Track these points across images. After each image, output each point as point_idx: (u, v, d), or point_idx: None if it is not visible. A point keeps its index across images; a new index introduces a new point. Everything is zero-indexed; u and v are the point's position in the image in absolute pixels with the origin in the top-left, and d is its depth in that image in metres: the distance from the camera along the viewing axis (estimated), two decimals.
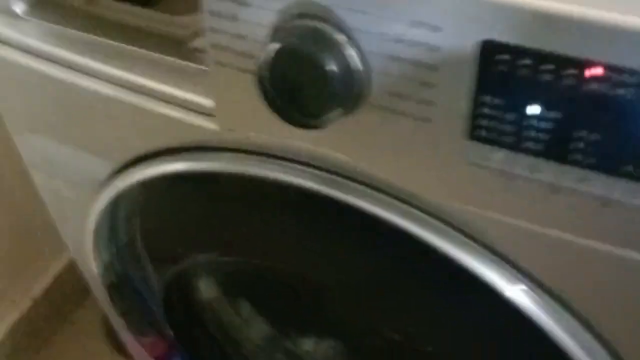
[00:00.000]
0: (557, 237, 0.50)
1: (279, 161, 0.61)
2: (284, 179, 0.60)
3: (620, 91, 0.42)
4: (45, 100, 0.73)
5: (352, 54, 0.49)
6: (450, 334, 0.65)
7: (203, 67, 0.60)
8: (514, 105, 0.45)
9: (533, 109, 0.45)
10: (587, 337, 0.56)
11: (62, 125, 0.75)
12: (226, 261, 0.83)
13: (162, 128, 0.65)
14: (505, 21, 0.43)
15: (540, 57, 0.43)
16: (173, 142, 0.66)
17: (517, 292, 0.55)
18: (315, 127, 0.51)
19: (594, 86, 0.42)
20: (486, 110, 0.46)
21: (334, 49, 0.48)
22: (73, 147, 0.76)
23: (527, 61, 0.44)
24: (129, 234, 0.85)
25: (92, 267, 0.89)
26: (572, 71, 0.43)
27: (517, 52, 0.44)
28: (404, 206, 0.57)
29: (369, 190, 0.58)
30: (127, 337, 1.04)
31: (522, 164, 0.47)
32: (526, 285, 0.56)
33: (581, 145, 0.44)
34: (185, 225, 0.75)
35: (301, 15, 0.49)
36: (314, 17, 0.49)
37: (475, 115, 0.47)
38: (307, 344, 0.95)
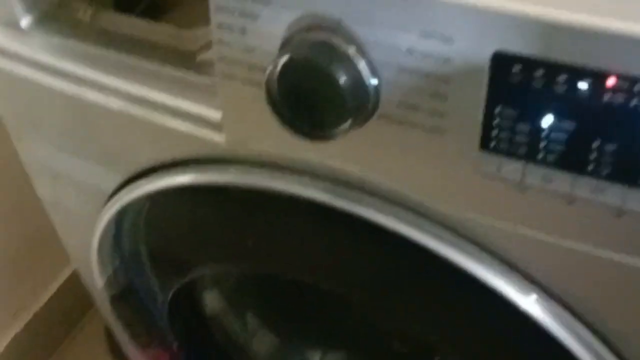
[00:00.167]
0: (571, 247, 0.50)
1: (287, 173, 0.61)
2: (293, 192, 0.60)
3: (636, 101, 0.41)
4: (51, 113, 0.72)
5: (362, 65, 0.48)
6: (461, 344, 0.65)
7: (211, 80, 0.59)
8: (527, 116, 0.45)
9: (547, 120, 0.45)
10: (599, 346, 0.55)
11: (68, 138, 0.74)
12: (232, 272, 0.83)
13: (169, 141, 0.65)
14: (517, 32, 0.43)
15: (554, 68, 0.43)
16: (181, 155, 0.66)
17: (531, 303, 0.55)
18: (325, 139, 0.51)
19: (608, 97, 0.42)
20: (499, 121, 0.46)
21: (344, 60, 0.48)
22: (79, 159, 0.76)
23: (540, 72, 0.44)
24: (133, 245, 0.85)
25: (95, 278, 0.88)
26: (586, 82, 0.42)
27: (530, 63, 0.44)
28: (415, 217, 0.57)
29: (379, 202, 0.57)
30: (130, 349, 1.03)
31: (535, 175, 0.47)
32: (537, 294, 0.56)
33: (596, 155, 0.44)
34: (191, 237, 0.75)
35: (310, 28, 0.49)
36: (323, 29, 0.49)
37: (487, 126, 0.47)
38: (315, 356, 0.95)
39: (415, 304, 0.64)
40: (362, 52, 0.48)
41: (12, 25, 0.69)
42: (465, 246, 0.56)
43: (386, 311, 0.67)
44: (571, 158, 0.46)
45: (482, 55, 0.45)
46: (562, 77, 0.43)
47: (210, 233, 0.72)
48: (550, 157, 0.46)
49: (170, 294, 0.82)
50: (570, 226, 0.49)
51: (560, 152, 0.46)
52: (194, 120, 0.62)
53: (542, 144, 0.46)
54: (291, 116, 0.51)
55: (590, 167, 0.45)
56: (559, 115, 0.44)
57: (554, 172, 0.47)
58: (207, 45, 0.61)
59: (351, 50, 0.48)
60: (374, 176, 0.55)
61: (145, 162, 0.69)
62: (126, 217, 0.79)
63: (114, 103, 0.66)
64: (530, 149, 0.46)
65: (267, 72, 0.50)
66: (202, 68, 0.62)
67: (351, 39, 0.48)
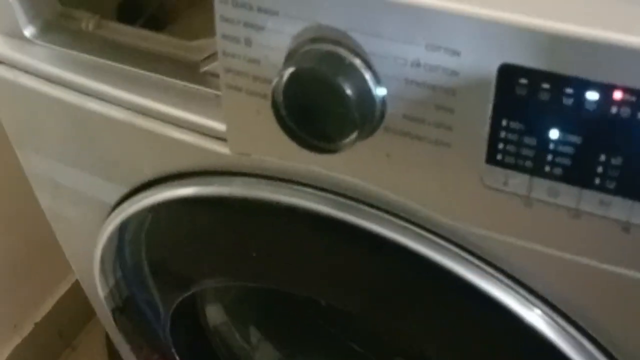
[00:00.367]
0: (577, 262, 0.49)
1: (291, 185, 0.60)
2: (298, 204, 0.60)
3: None
4: (54, 123, 0.72)
5: (368, 77, 0.48)
6: (465, 356, 0.64)
7: (215, 92, 0.59)
8: (533, 129, 0.45)
9: (553, 133, 0.44)
10: None
11: (70, 149, 0.74)
12: (235, 286, 0.83)
13: (173, 152, 0.65)
14: (524, 45, 0.43)
15: (561, 80, 0.43)
16: (185, 166, 0.66)
17: (535, 317, 0.55)
18: (330, 151, 0.51)
19: (615, 110, 0.42)
20: (505, 135, 0.46)
21: (350, 72, 0.48)
22: (81, 170, 0.75)
23: (547, 85, 0.43)
24: (135, 258, 0.84)
25: (97, 289, 0.88)
26: (593, 95, 0.42)
27: (537, 75, 0.43)
28: (420, 230, 0.57)
29: (384, 215, 0.57)
30: None
31: (541, 189, 0.47)
32: (542, 309, 0.55)
33: (602, 169, 0.44)
34: (194, 250, 0.75)
35: (316, 40, 0.49)
36: (329, 41, 0.49)
37: (494, 140, 0.47)
38: None
39: (419, 318, 0.63)
40: (368, 64, 0.48)
41: (16, 34, 0.69)
42: (469, 259, 0.55)
43: (389, 326, 0.66)
44: (578, 172, 0.45)
45: (489, 68, 0.45)
46: (569, 90, 0.43)
47: (213, 246, 0.72)
48: (557, 171, 0.46)
49: (172, 308, 0.82)
50: (576, 240, 0.49)
51: (566, 165, 0.45)
52: (197, 131, 0.62)
53: (548, 158, 0.46)
54: (297, 128, 0.51)
55: (596, 181, 0.45)
56: (565, 129, 0.44)
57: (560, 186, 0.46)
58: (211, 57, 0.61)
59: (357, 62, 0.48)
60: (379, 189, 0.55)
61: (148, 173, 0.69)
62: (128, 228, 0.79)
63: (117, 114, 0.66)
64: (536, 163, 0.46)
65: (273, 83, 0.49)
66: (206, 79, 0.62)
67: (357, 51, 0.48)
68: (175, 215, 0.71)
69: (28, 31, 0.69)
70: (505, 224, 0.51)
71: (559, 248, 0.50)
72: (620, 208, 0.45)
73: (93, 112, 0.67)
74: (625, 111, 0.42)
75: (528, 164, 0.46)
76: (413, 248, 0.57)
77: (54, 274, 1.36)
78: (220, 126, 0.60)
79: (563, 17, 0.42)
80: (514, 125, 0.45)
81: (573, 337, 0.55)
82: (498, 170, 0.48)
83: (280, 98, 0.50)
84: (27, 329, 1.35)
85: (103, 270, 0.84)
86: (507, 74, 0.44)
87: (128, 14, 0.76)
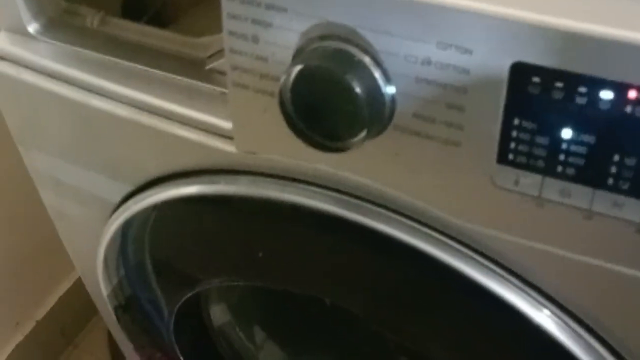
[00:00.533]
0: (588, 263, 0.49)
1: (298, 184, 0.60)
2: (305, 203, 0.59)
3: None
4: (57, 121, 0.72)
5: (377, 75, 0.48)
6: (472, 357, 0.64)
7: (221, 89, 0.59)
8: (546, 128, 0.44)
9: (566, 133, 0.44)
10: None
11: (74, 146, 0.74)
12: (239, 286, 0.82)
13: (178, 150, 0.64)
14: (537, 43, 0.42)
15: (574, 79, 0.42)
16: (190, 165, 0.65)
17: (544, 318, 0.54)
18: (338, 150, 0.50)
19: (630, 109, 0.41)
20: (517, 134, 0.45)
21: (359, 70, 0.47)
22: (84, 168, 0.75)
23: (560, 83, 0.43)
24: (138, 257, 0.84)
25: (100, 288, 0.87)
26: (607, 94, 0.42)
27: (550, 74, 0.43)
28: (427, 230, 0.56)
29: (392, 214, 0.57)
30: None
31: (553, 189, 0.46)
32: (551, 309, 0.55)
33: (616, 169, 0.43)
34: (198, 249, 0.74)
35: (324, 37, 0.49)
36: (337, 38, 0.48)
37: (505, 139, 0.46)
38: None
39: (425, 319, 0.63)
40: (377, 61, 0.47)
41: (19, 31, 0.68)
42: (478, 259, 0.55)
43: (395, 326, 0.66)
44: (591, 172, 0.45)
45: (501, 66, 0.44)
46: (582, 89, 0.42)
47: (218, 245, 0.72)
48: (569, 171, 0.45)
49: (176, 307, 0.81)
50: (588, 242, 0.48)
51: (579, 165, 0.45)
52: (203, 129, 0.62)
53: (561, 157, 0.45)
54: (304, 126, 0.50)
55: (610, 182, 0.44)
56: (578, 128, 0.44)
57: (573, 186, 0.46)
58: (217, 53, 0.61)
59: (366, 60, 0.47)
60: (388, 188, 0.54)
61: (152, 172, 0.69)
62: (132, 226, 0.79)
63: (121, 111, 0.65)
64: (548, 163, 0.46)
65: (280, 81, 0.49)
66: (212, 76, 0.61)
67: (366, 48, 0.47)
68: (180, 213, 0.71)
69: (32, 27, 0.68)
70: (516, 225, 0.50)
71: (571, 249, 0.49)
72: (633, 209, 0.44)
73: (97, 109, 0.66)
74: None
75: (540, 163, 0.46)
76: (421, 248, 0.56)
77: (56, 271, 1.36)
78: (226, 124, 0.60)
79: (577, 15, 0.41)
80: (526, 124, 0.45)
81: (582, 338, 0.54)
82: (509, 170, 0.47)
83: (287, 96, 0.49)
84: (29, 326, 1.34)
85: (106, 269, 0.84)
86: (520, 72, 0.44)
87: (133, 11, 0.76)
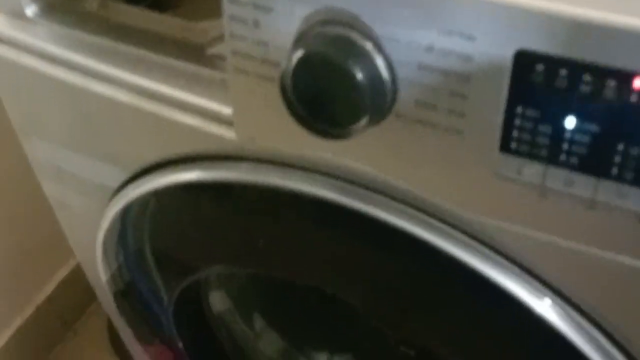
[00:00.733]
0: (591, 253, 0.48)
1: (298, 171, 0.59)
2: (305, 190, 0.59)
3: None
4: (56, 105, 0.71)
5: (379, 62, 0.47)
6: (472, 350, 0.63)
7: (222, 75, 0.58)
8: (549, 117, 0.44)
9: (570, 121, 0.43)
10: (617, 354, 0.54)
11: (73, 132, 0.73)
12: (239, 273, 0.82)
13: (178, 136, 0.64)
14: (541, 30, 0.42)
15: (578, 67, 0.42)
16: (189, 151, 0.65)
17: (545, 308, 0.54)
18: (339, 137, 0.50)
19: (635, 98, 0.41)
20: (520, 122, 0.45)
21: (361, 57, 0.47)
22: (83, 153, 0.75)
23: (564, 71, 0.42)
24: (137, 242, 0.83)
25: (99, 273, 0.87)
26: (612, 82, 0.41)
27: (554, 62, 0.42)
28: (428, 218, 0.56)
29: (392, 203, 0.56)
30: (133, 346, 1.03)
31: (556, 178, 0.46)
32: (552, 299, 0.54)
33: (620, 159, 0.43)
34: (198, 236, 0.74)
35: (326, 22, 0.48)
36: (339, 24, 0.47)
37: (508, 127, 0.45)
38: (320, 358, 0.94)
39: (426, 309, 0.63)
40: (379, 48, 0.47)
41: (17, 14, 0.68)
42: (480, 249, 0.54)
43: (397, 317, 0.66)
44: (594, 161, 0.44)
45: (505, 53, 0.43)
46: (586, 77, 0.42)
47: (218, 233, 0.71)
48: (573, 160, 0.45)
49: (176, 294, 0.81)
50: (591, 231, 0.48)
51: (583, 154, 0.44)
52: (203, 115, 0.61)
53: (564, 146, 0.44)
54: (305, 113, 0.50)
55: (613, 171, 0.44)
56: (582, 117, 0.43)
57: (576, 176, 0.45)
58: (217, 39, 0.60)
59: (368, 46, 0.47)
60: (389, 176, 0.54)
61: (151, 157, 0.68)
62: (131, 212, 0.78)
63: (121, 96, 0.65)
64: (552, 152, 0.45)
65: (282, 67, 0.48)
66: (212, 61, 0.61)
67: (368, 35, 0.47)
68: (180, 200, 0.70)
69: (30, 10, 0.68)
70: (518, 214, 0.50)
71: (573, 239, 0.49)
72: (637, 199, 0.44)
73: (96, 94, 0.66)
74: None
75: (543, 152, 0.45)
76: (422, 237, 0.56)
77: (55, 257, 1.36)
78: (226, 110, 0.59)
79: (582, 2, 0.41)
80: (529, 112, 0.44)
81: (584, 329, 0.54)
82: (512, 159, 0.47)
83: (288, 82, 0.49)
84: (29, 312, 1.35)
85: (105, 254, 0.83)
86: (523, 60, 0.43)
87: None
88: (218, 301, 0.90)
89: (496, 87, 0.45)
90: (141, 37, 0.64)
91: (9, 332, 1.31)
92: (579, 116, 0.43)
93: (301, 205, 0.61)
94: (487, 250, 0.54)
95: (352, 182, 0.57)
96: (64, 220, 0.89)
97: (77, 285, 1.31)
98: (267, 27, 0.51)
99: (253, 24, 0.51)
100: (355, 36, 0.47)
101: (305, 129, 0.50)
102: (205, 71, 0.61)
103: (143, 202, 0.73)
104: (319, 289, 0.71)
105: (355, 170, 0.55)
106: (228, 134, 0.60)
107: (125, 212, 0.76)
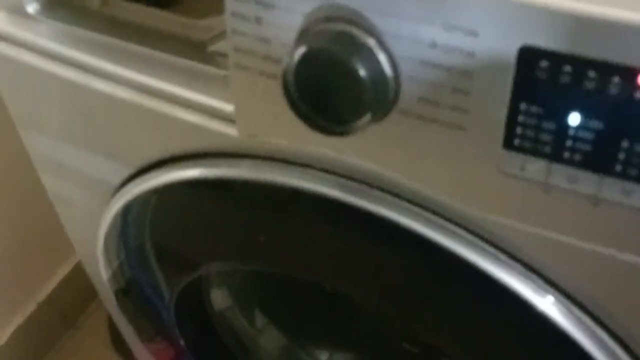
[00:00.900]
0: (595, 251, 0.48)
1: (301, 168, 0.59)
2: (307, 187, 0.58)
3: None
4: (57, 102, 0.71)
5: (382, 58, 0.47)
6: (474, 346, 0.63)
7: (223, 72, 0.58)
8: (553, 113, 0.44)
9: (574, 118, 0.43)
10: (620, 352, 0.54)
11: (74, 129, 0.73)
12: (240, 270, 0.82)
13: (179, 133, 0.63)
14: (546, 26, 0.42)
15: (583, 63, 0.41)
16: (191, 148, 0.64)
17: (548, 305, 0.54)
18: (342, 134, 0.50)
19: None
20: (524, 119, 0.45)
21: (364, 53, 0.47)
22: (84, 150, 0.74)
23: (569, 68, 0.42)
24: (138, 239, 0.83)
25: (101, 271, 0.87)
26: (617, 78, 0.41)
27: (558, 58, 0.42)
28: (430, 215, 0.56)
29: (396, 200, 0.56)
30: (134, 343, 1.03)
31: (560, 175, 0.46)
32: (555, 296, 0.54)
33: (624, 156, 0.43)
34: (199, 233, 0.74)
35: (329, 19, 0.48)
36: (342, 20, 0.47)
37: (511, 124, 0.45)
38: (321, 355, 0.93)
39: (428, 305, 0.62)
40: (382, 44, 0.47)
41: (18, 10, 0.67)
42: (483, 246, 0.54)
43: (397, 314, 0.65)
44: (598, 158, 0.44)
45: (508, 49, 0.43)
46: (591, 74, 0.42)
47: (219, 229, 0.71)
48: (577, 157, 0.44)
49: (177, 291, 0.81)
50: (594, 229, 0.48)
51: (587, 151, 0.44)
52: (204, 112, 0.61)
53: (568, 143, 0.44)
54: (308, 110, 0.49)
55: (618, 168, 0.44)
56: (586, 113, 0.43)
57: (580, 173, 0.45)
58: (219, 35, 0.60)
59: (371, 42, 0.47)
60: (392, 173, 0.54)
61: (153, 155, 0.68)
62: (132, 209, 0.78)
63: (122, 93, 0.64)
64: (555, 148, 0.45)
65: (284, 63, 0.48)
66: (214, 58, 0.60)
67: (371, 31, 0.47)
68: (181, 197, 0.70)
69: (31, 7, 0.67)
70: (522, 211, 0.49)
71: (577, 236, 0.48)
72: None
73: (97, 91, 0.66)
74: None
75: (547, 149, 0.45)
76: (424, 234, 0.55)
77: (57, 254, 1.36)
78: (228, 107, 0.59)
79: None
80: (533, 109, 0.44)
81: (587, 326, 0.54)
82: (515, 155, 0.46)
83: (290, 78, 0.49)
84: (30, 309, 1.34)
85: (106, 252, 0.83)
86: (527, 56, 0.43)
87: None
88: (219, 298, 0.90)
89: (500, 84, 0.44)
90: (142, 34, 0.64)
91: (10, 329, 1.31)
92: (583, 113, 0.43)
93: (303, 202, 0.60)
94: (489, 248, 0.54)
95: (354, 179, 0.57)
96: (65, 216, 0.89)
97: (78, 282, 1.30)
98: (269, 24, 0.50)
99: (255, 20, 0.51)
100: (358, 32, 0.47)
101: (308, 126, 0.50)
102: (207, 68, 0.60)
103: (144, 198, 0.73)
104: (320, 286, 0.71)
105: (358, 167, 0.55)
106: (230, 131, 0.60)
107: (127, 208, 0.76)
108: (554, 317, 0.54)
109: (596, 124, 0.43)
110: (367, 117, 0.48)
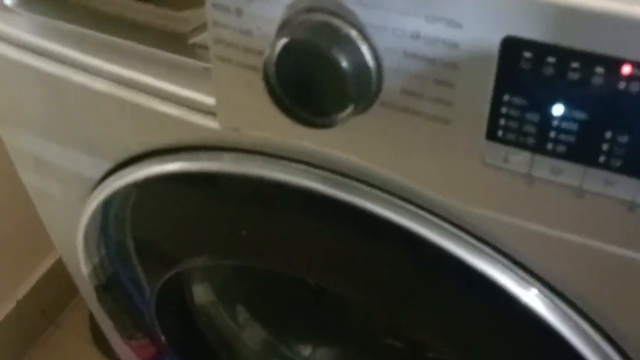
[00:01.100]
0: (579, 242, 0.48)
1: (282, 161, 0.59)
2: (289, 180, 0.58)
3: None
4: (36, 96, 0.70)
5: (364, 50, 0.46)
6: (458, 340, 0.63)
7: (204, 64, 0.57)
8: (536, 104, 0.43)
9: (557, 109, 0.43)
10: (603, 343, 0.54)
11: (53, 123, 0.72)
12: (222, 265, 0.81)
13: (160, 126, 0.63)
14: (529, 16, 0.41)
15: (566, 54, 0.41)
16: (171, 141, 0.64)
17: (531, 297, 0.53)
18: (324, 126, 0.49)
19: (623, 85, 0.40)
20: (507, 110, 0.44)
21: (346, 44, 0.46)
22: (64, 145, 0.74)
23: (552, 59, 0.42)
24: (119, 235, 0.83)
25: (81, 267, 0.86)
26: (602, 69, 0.41)
27: (541, 49, 0.42)
28: (414, 208, 0.55)
29: (378, 193, 0.56)
30: (115, 340, 1.02)
31: (544, 166, 0.45)
32: (539, 289, 0.54)
33: (608, 147, 0.43)
34: (180, 228, 0.73)
35: (310, 9, 0.47)
36: (324, 11, 0.47)
37: (495, 115, 0.45)
38: (304, 351, 0.93)
39: (413, 300, 0.62)
40: (364, 35, 0.46)
41: None
42: (467, 239, 0.54)
43: (382, 308, 0.65)
44: (582, 149, 0.44)
45: (492, 40, 0.43)
46: (575, 64, 0.41)
47: (201, 224, 0.71)
48: (560, 148, 0.44)
49: (158, 287, 0.80)
50: (578, 220, 0.47)
51: (570, 142, 0.44)
52: (185, 105, 0.60)
53: (551, 134, 0.44)
54: (289, 102, 0.49)
55: (601, 159, 0.43)
56: (570, 104, 0.43)
57: (564, 164, 0.45)
58: (200, 28, 0.60)
59: (353, 33, 0.46)
60: (375, 166, 0.53)
61: (133, 148, 0.67)
62: (112, 204, 0.77)
63: (101, 86, 0.64)
64: (539, 140, 0.45)
65: (265, 55, 0.48)
66: (194, 51, 0.60)
67: (353, 22, 0.46)
68: (162, 191, 0.70)
69: (9, 0, 0.66)
70: (505, 203, 0.49)
71: (561, 228, 0.48)
72: (625, 187, 0.44)
73: (76, 84, 0.65)
74: (634, 86, 0.40)
75: (530, 140, 0.45)
76: (407, 227, 0.55)
77: (37, 250, 1.35)
78: (209, 100, 0.58)
79: None
80: (517, 100, 0.44)
81: (571, 318, 0.54)
82: (499, 147, 0.46)
83: (272, 70, 0.48)
84: (10, 305, 1.33)
85: (86, 248, 0.83)
86: (511, 47, 0.43)
87: None
88: (201, 293, 0.89)
89: (483, 75, 0.44)
90: (122, 26, 0.64)
91: None
92: (566, 103, 0.43)
93: (286, 196, 0.60)
94: (473, 240, 0.54)
95: (337, 172, 0.57)
96: (44, 211, 0.88)
97: (58, 279, 1.29)
98: (250, 15, 0.50)
99: (236, 12, 0.50)
100: (339, 23, 0.46)
101: (290, 118, 0.50)
102: (187, 61, 0.60)
103: (125, 193, 0.72)
104: (304, 281, 0.70)
105: (341, 159, 0.55)
106: (211, 124, 0.59)
107: (107, 203, 0.75)
108: (538, 309, 0.54)
109: (580, 115, 0.43)
110: (350, 109, 0.47)
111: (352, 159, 0.54)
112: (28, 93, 0.71)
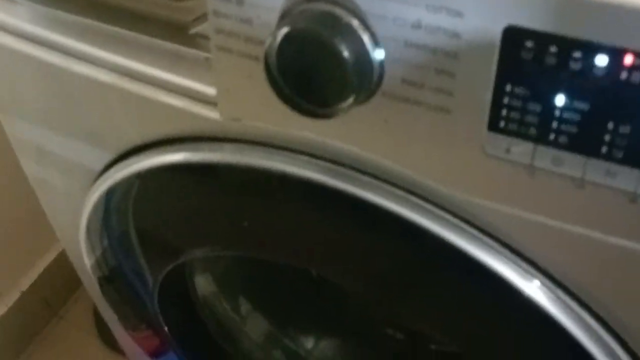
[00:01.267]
0: (580, 233, 0.48)
1: (284, 152, 0.59)
2: (290, 171, 0.58)
3: None
4: (37, 86, 0.70)
5: (366, 39, 0.46)
6: (461, 330, 0.63)
7: (205, 54, 0.57)
8: (538, 95, 0.43)
9: (559, 99, 0.43)
10: (605, 334, 0.54)
11: (55, 113, 0.72)
12: (224, 256, 0.81)
13: (161, 117, 0.63)
14: (531, 5, 0.41)
15: (568, 44, 0.41)
16: (173, 132, 0.64)
17: (534, 289, 0.53)
18: (325, 116, 0.49)
19: (625, 75, 0.40)
20: (509, 100, 0.44)
21: (347, 33, 0.46)
22: (66, 135, 0.73)
23: (554, 48, 0.41)
24: (121, 226, 0.83)
25: (84, 258, 0.86)
26: (603, 59, 0.40)
27: (543, 38, 0.41)
28: (416, 199, 0.55)
29: (379, 183, 0.55)
30: (118, 332, 1.02)
31: (545, 157, 0.45)
32: (541, 281, 0.54)
33: (610, 137, 0.42)
34: (183, 218, 0.73)
35: None
36: (325, 0, 0.46)
37: (496, 106, 0.45)
38: (306, 342, 0.93)
39: (415, 291, 0.62)
40: (366, 24, 0.46)
41: None
42: (469, 230, 0.54)
43: (384, 299, 0.65)
44: (584, 140, 0.44)
45: (493, 30, 0.43)
46: (577, 54, 0.41)
47: (203, 215, 0.71)
48: (562, 139, 0.44)
49: (161, 278, 0.80)
50: (580, 211, 0.47)
51: (572, 133, 0.44)
52: (186, 95, 0.60)
53: (553, 125, 0.44)
54: (290, 92, 0.49)
55: (603, 150, 0.43)
56: (572, 95, 0.42)
57: (565, 155, 0.45)
58: (201, 17, 0.59)
59: (354, 23, 0.46)
60: (376, 156, 0.53)
61: (135, 139, 0.67)
62: (115, 195, 0.77)
63: (103, 76, 0.64)
64: (541, 130, 0.44)
65: (266, 45, 0.47)
66: (195, 41, 0.59)
67: (354, 11, 0.46)
68: (164, 182, 0.69)
69: None
70: (507, 194, 0.49)
71: (563, 219, 0.48)
72: (627, 178, 0.43)
73: (78, 74, 0.65)
74: (636, 77, 0.40)
75: (532, 131, 0.45)
76: (410, 218, 0.55)
77: (40, 242, 1.35)
78: (210, 90, 0.58)
79: None
80: (518, 90, 0.44)
81: (573, 310, 0.54)
82: (500, 137, 0.46)
83: (273, 60, 0.48)
84: (13, 297, 1.34)
85: (89, 239, 0.83)
86: (513, 36, 0.42)
87: None
88: (203, 284, 0.89)
89: (485, 65, 0.44)
90: (123, 16, 0.63)
91: None
92: (568, 94, 0.42)
93: (287, 186, 0.60)
94: (475, 232, 0.54)
95: (338, 162, 0.57)
96: (47, 204, 0.88)
97: (62, 270, 1.29)
98: (250, 5, 0.50)
99: (236, 1, 0.50)
100: (341, 12, 0.46)
101: (291, 108, 0.50)
102: (188, 51, 0.59)
103: (127, 183, 0.72)
104: (307, 272, 0.70)
105: (342, 150, 0.55)
106: (213, 114, 0.59)
107: (109, 194, 0.75)
108: (540, 301, 0.54)
109: (582, 105, 0.42)
110: (351, 99, 0.47)
111: (353, 150, 0.54)
112: (29, 83, 0.71)
